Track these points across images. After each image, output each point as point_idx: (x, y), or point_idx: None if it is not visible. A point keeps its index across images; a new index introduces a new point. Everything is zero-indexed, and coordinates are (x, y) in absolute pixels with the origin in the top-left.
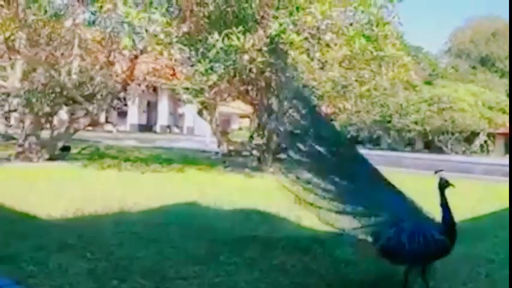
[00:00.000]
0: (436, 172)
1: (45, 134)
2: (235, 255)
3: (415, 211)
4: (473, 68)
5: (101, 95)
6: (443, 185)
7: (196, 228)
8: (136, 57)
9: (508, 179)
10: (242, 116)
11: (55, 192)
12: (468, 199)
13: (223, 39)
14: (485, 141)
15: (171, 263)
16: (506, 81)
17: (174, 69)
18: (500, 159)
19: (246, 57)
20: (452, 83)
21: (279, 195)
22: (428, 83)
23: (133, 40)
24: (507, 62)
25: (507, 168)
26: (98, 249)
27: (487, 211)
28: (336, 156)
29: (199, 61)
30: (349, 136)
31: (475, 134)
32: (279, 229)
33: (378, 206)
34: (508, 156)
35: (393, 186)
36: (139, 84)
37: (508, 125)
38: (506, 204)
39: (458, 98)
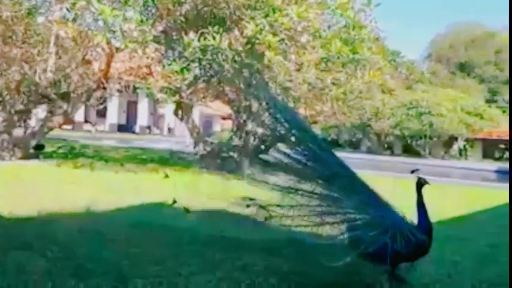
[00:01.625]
0: (412, 172)
1: (19, 132)
2: (199, 255)
3: (395, 212)
4: (453, 73)
5: (76, 94)
6: (420, 184)
7: (163, 229)
8: (112, 55)
9: (485, 183)
10: (224, 118)
11: (23, 191)
12: (443, 202)
13: (199, 39)
14: (464, 146)
15: (132, 262)
16: (484, 87)
17: (150, 68)
18: (478, 164)
19: (221, 56)
20: (431, 88)
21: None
22: (408, 87)
23: (107, 38)
24: (485, 68)
25: (484, 173)
26: (59, 249)
27: (459, 214)
28: (314, 160)
29: (174, 60)
30: (329, 139)
31: (453, 139)
32: (248, 230)
33: (358, 209)
34: (484, 161)
35: (371, 189)
36: (119, 83)
37: (486, 130)
38: (479, 208)
39: (437, 103)
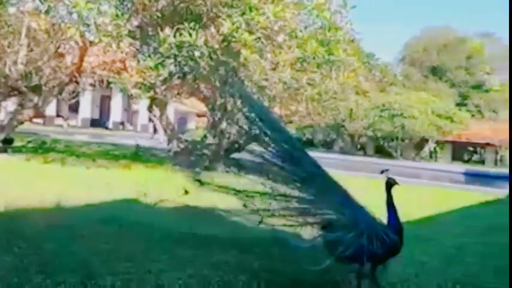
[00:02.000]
0: (382, 172)
1: None
2: (169, 252)
3: (368, 213)
4: (425, 76)
5: (48, 87)
6: (389, 184)
7: (134, 225)
8: (85, 49)
9: (453, 185)
10: (200, 115)
11: None
12: (412, 203)
13: (175, 35)
14: (434, 148)
15: (101, 259)
16: (454, 91)
17: (124, 63)
18: (447, 165)
19: (197, 53)
20: (405, 91)
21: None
22: (382, 90)
23: (81, 31)
24: (456, 73)
25: (453, 175)
26: (27, 244)
27: (428, 214)
28: (288, 161)
29: (149, 56)
30: (304, 139)
31: (424, 141)
32: (219, 228)
33: (335, 211)
34: (454, 163)
35: (344, 189)
36: (93, 78)
37: (456, 133)
38: (447, 209)
39: (409, 105)
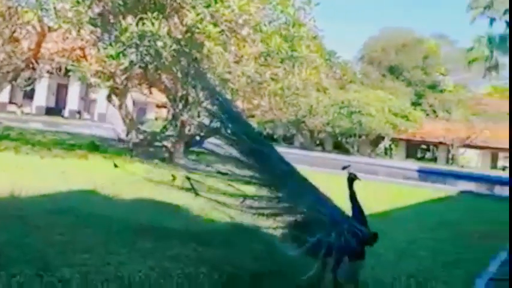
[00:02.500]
0: (344, 168)
1: None
2: (128, 244)
3: (338, 208)
4: (383, 75)
5: (2, 73)
6: (351, 179)
7: (91, 217)
8: (43, 35)
9: (407, 181)
10: (159, 106)
11: None
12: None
13: (137, 24)
14: (390, 145)
15: (58, 250)
16: (411, 90)
17: (84, 51)
18: (401, 162)
19: (160, 43)
20: (363, 89)
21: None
22: (342, 87)
23: (39, 16)
24: (413, 72)
25: (407, 172)
26: None
27: (382, 210)
28: (255, 156)
29: (110, 44)
30: (265, 133)
31: (380, 138)
32: (179, 220)
33: (303, 203)
34: (408, 160)
35: (314, 186)
36: (50, 64)
37: (410, 131)
38: (401, 205)
39: (367, 103)
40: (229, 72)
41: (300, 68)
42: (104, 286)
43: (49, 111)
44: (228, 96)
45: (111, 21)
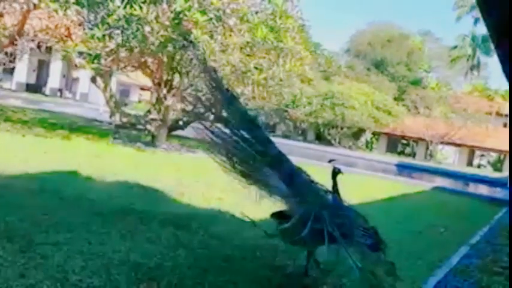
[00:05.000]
0: (329, 161)
1: None
2: (109, 225)
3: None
4: (368, 69)
5: None
6: (336, 172)
7: (73, 198)
8: (28, 11)
9: (384, 175)
10: (143, 89)
11: None
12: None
13: (125, 7)
14: (371, 139)
15: (41, 229)
16: (394, 85)
17: (69, 30)
18: (381, 156)
19: (147, 28)
20: (347, 81)
21: (167, 172)
22: (326, 79)
23: None
24: (398, 67)
25: (386, 165)
26: None
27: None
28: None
29: (97, 26)
30: None
31: (362, 131)
32: (159, 204)
33: (300, 191)
34: (387, 154)
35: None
36: (32, 40)
37: (392, 125)
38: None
39: (350, 96)
40: (215, 61)
41: (285, 59)
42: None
43: (29, 88)
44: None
45: (98, 1)
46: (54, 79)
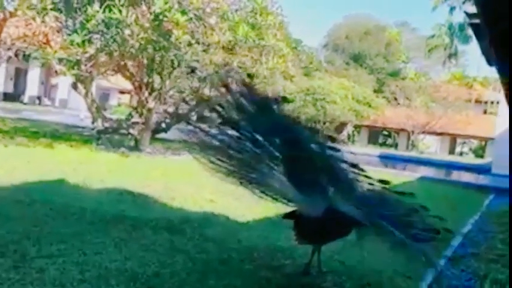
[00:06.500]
0: None
1: None
2: (102, 234)
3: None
4: (347, 63)
5: None
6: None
7: (63, 207)
8: (4, 19)
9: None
10: (122, 92)
11: None
12: None
13: (104, 11)
14: (352, 132)
15: (32, 241)
16: (373, 77)
17: (47, 37)
18: (363, 148)
19: (127, 31)
20: (327, 76)
21: (154, 176)
22: (307, 74)
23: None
24: (376, 60)
25: (369, 158)
26: None
27: None
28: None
29: (76, 31)
30: None
31: (343, 125)
32: (151, 210)
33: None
34: (369, 146)
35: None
36: (8, 49)
37: (373, 118)
38: None
39: (331, 91)
40: (197, 61)
41: (267, 56)
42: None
43: (7, 97)
44: (196, 84)
45: (75, 5)
46: (32, 87)
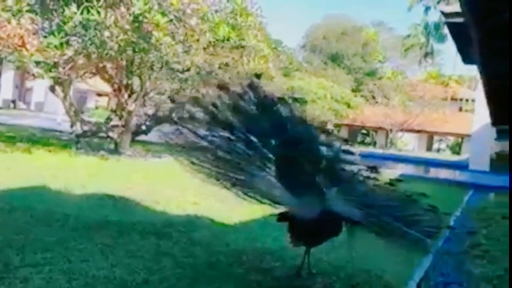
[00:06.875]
0: None
1: None
2: (87, 241)
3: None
4: (325, 63)
5: None
6: None
7: (45, 214)
8: None
9: None
10: (100, 94)
11: None
12: None
13: (82, 12)
14: (332, 131)
15: (16, 250)
16: (351, 77)
17: (23, 40)
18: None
19: (106, 33)
20: (307, 76)
21: (136, 179)
22: (286, 75)
23: None
24: (354, 60)
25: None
26: None
27: None
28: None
29: (53, 33)
30: None
31: (323, 124)
32: (135, 214)
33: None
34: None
35: None
36: None
37: (351, 117)
38: None
39: (310, 90)
40: (178, 62)
41: (248, 57)
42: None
43: None
44: (177, 86)
45: (51, 7)
46: (6, 90)
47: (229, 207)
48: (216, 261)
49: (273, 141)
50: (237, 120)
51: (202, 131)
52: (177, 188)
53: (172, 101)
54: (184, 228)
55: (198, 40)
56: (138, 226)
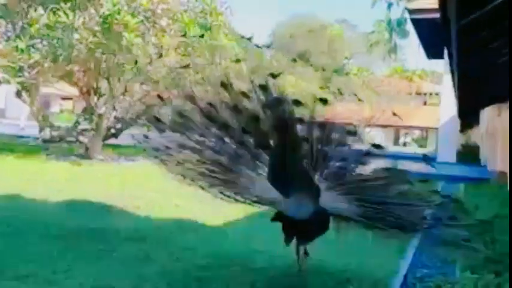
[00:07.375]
0: None
1: None
2: (71, 249)
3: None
4: (294, 60)
5: None
6: None
7: (23, 224)
8: None
9: None
10: (64, 98)
11: None
12: None
13: (49, 15)
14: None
15: None
16: (319, 74)
17: None
18: None
19: (76, 35)
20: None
21: (113, 183)
22: (253, 72)
23: None
24: (320, 57)
25: None
26: None
27: None
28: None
29: (18, 37)
30: None
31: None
32: (116, 220)
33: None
34: None
35: None
36: None
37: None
38: None
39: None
40: (150, 63)
41: (220, 57)
42: None
43: None
44: (148, 87)
45: (16, 9)
46: None
47: (210, 208)
48: (206, 264)
49: (270, 142)
50: (234, 119)
51: (190, 132)
52: (156, 190)
53: (160, 98)
54: (169, 232)
55: (169, 44)
56: (122, 232)
